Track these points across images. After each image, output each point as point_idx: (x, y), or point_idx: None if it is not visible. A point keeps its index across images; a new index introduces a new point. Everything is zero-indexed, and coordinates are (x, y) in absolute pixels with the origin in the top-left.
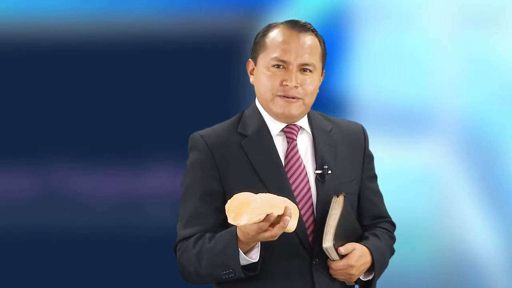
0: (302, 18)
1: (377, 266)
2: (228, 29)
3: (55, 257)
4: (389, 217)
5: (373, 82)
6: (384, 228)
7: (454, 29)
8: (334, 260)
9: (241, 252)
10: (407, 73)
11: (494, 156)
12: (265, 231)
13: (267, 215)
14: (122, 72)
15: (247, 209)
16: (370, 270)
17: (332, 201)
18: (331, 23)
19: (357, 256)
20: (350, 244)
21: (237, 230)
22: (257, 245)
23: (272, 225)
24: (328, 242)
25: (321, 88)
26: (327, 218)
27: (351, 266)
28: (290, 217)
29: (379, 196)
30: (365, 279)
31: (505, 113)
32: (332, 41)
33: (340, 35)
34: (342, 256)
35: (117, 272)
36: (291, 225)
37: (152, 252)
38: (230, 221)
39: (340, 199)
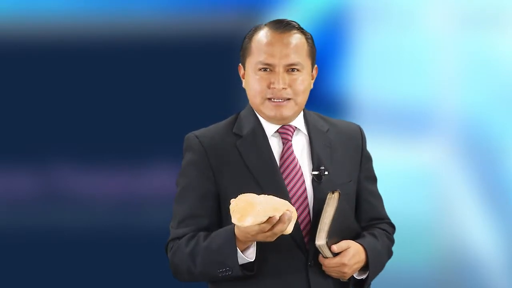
0: (303, 18)
1: (371, 266)
2: (228, 29)
3: (55, 257)
4: (388, 218)
5: (373, 82)
6: (382, 229)
7: (454, 29)
8: (327, 258)
9: (238, 250)
10: (407, 73)
11: (494, 156)
12: (265, 232)
13: (270, 217)
14: (122, 72)
15: (252, 211)
16: (364, 269)
17: (327, 198)
18: (331, 23)
19: (350, 255)
20: (344, 242)
21: (235, 229)
22: (253, 244)
23: (272, 226)
24: (321, 239)
25: (321, 88)
26: (321, 215)
27: (344, 265)
28: (290, 220)
29: (378, 197)
30: (359, 278)
31: (505, 113)
32: (332, 41)
33: (340, 35)
34: (335, 254)
35: (117, 272)
36: (289, 228)
37: (152, 252)
38: (234, 221)
39: (335, 196)
